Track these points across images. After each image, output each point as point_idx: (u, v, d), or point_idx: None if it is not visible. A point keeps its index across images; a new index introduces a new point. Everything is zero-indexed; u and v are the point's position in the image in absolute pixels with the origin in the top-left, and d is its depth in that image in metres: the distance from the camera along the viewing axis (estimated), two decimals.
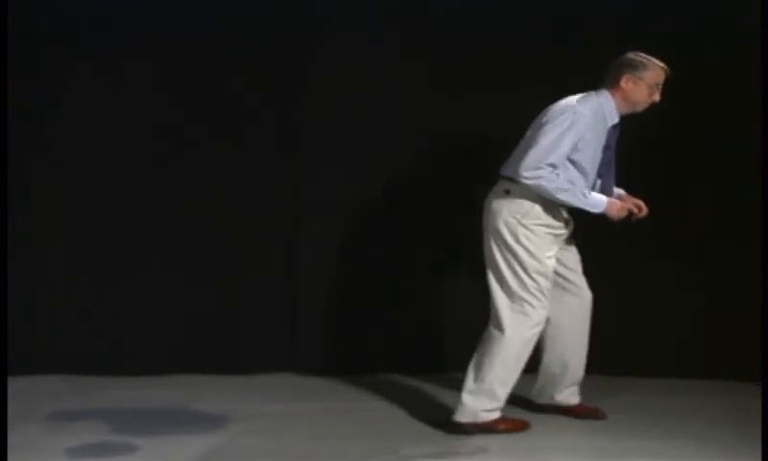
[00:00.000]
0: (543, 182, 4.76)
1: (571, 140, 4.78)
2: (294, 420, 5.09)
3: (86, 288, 5.75)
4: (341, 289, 5.81)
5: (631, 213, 4.95)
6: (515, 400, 5.07)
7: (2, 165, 4.95)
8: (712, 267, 5.70)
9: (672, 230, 5.62)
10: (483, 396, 4.89)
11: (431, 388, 5.56)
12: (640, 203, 4.99)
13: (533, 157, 4.77)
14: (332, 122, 5.76)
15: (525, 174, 4.78)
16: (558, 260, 4.97)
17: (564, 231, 4.96)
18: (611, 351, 5.48)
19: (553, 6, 5.72)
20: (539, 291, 4.86)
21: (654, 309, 5.75)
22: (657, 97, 4.92)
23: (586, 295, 5.11)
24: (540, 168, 4.76)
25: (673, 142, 5.64)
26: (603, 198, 4.89)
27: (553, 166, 4.76)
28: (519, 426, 4.97)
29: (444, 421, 4.95)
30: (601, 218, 4.87)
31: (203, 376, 5.70)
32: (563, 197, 4.80)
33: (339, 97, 5.73)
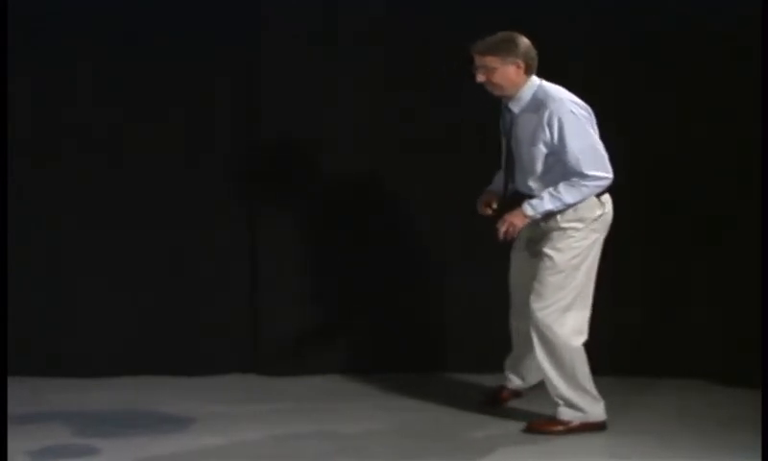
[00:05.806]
0: None
1: None
2: (254, 420, 5.10)
3: (41, 288, 5.70)
4: (303, 290, 5.79)
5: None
6: None
7: (2, 166, 4.92)
8: (712, 268, 5.66)
9: (670, 229, 5.63)
10: None
11: (392, 388, 5.56)
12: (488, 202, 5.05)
13: None
14: (288, 124, 5.75)
15: None
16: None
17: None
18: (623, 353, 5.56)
19: (553, 4, 5.60)
20: None
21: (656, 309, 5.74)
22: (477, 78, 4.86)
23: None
24: None
25: (673, 142, 5.57)
26: None
27: None
28: None
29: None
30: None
31: (163, 378, 5.67)
32: None
33: (295, 95, 5.70)
